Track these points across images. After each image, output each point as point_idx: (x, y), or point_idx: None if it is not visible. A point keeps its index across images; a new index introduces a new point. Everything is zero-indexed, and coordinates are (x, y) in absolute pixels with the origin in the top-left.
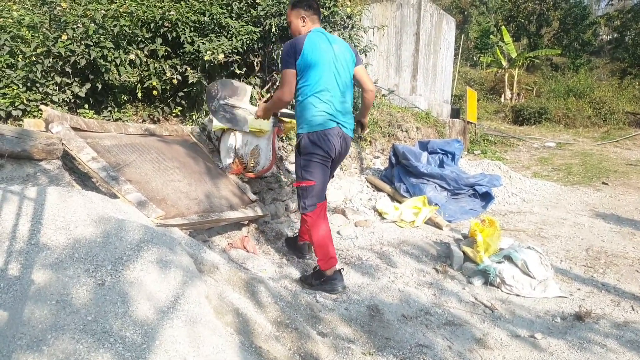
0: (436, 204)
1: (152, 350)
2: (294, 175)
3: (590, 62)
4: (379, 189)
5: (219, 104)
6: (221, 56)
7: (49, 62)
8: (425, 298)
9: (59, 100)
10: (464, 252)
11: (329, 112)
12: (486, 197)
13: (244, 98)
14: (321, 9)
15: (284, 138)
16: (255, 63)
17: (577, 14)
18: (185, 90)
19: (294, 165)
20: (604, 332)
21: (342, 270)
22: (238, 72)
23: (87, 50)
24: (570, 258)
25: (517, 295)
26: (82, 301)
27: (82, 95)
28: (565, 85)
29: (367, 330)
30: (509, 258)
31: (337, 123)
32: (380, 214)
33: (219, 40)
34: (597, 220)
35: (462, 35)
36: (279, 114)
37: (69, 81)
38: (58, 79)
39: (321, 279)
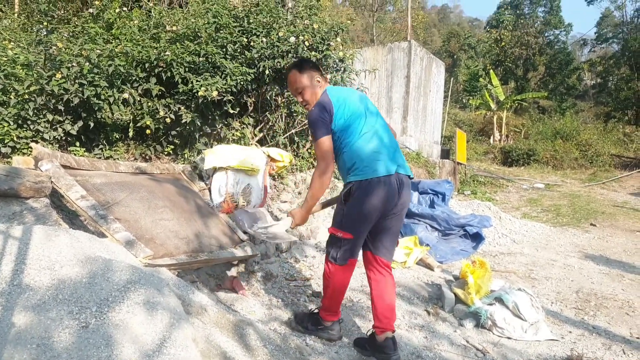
0: (427, 245)
1: None
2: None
3: (575, 105)
4: None
5: (255, 232)
6: (215, 93)
7: (42, 100)
8: (416, 341)
9: (50, 137)
10: (455, 294)
11: (380, 150)
12: (477, 238)
13: (267, 218)
14: (314, 52)
15: (276, 177)
16: (248, 103)
17: (562, 59)
18: (178, 129)
19: (285, 204)
20: None
21: (341, 320)
22: (231, 111)
23: (80, 88)
24: (560, 300)
25: (509, 338)
26: (63, 345)
27: (74, 133)
28: (553, 128)
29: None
30: (500, 300)
31: (391, 163)
32: None
33: (214, 79)
34: (587, 261)
35: (452, 78)
36: (320, 206)
37: (61, 119)
38: (50, 117)
39: (318, 327)
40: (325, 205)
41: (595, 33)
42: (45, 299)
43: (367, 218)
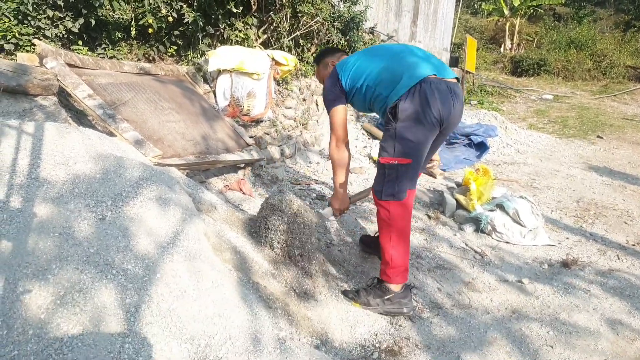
0: None
1: (153, 283)
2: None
3: (594, 13)
4: (374, 137)
5: None
6: None
7: None
8: (417, 242)
9: (51, 35)
10: (456, 200)
11: (416, 59)
12: (481, 147)
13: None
14: None
15: (281, 82)
16: (252, 2)
17: None
18: (180, 29)
19: (290, 110)
20: (588, 278)
21: (413, 286)
22: (235, 10)
23: None
24: (560, 208)
25: (507, 242)
26: (84, 234)
27: (75, 30)
28: (567, 37)
29: (359, 271)
30: (500, 206)
31: (434, 66)
32: (375, 162)
33: None
34: (590, 172)
35: None
36: (351, 198)
37: (61, 15)
38: (50, 13)
39: (385, 297)
40: (356, 197)
41: None
42: (62, 192)
43: (425, 133)
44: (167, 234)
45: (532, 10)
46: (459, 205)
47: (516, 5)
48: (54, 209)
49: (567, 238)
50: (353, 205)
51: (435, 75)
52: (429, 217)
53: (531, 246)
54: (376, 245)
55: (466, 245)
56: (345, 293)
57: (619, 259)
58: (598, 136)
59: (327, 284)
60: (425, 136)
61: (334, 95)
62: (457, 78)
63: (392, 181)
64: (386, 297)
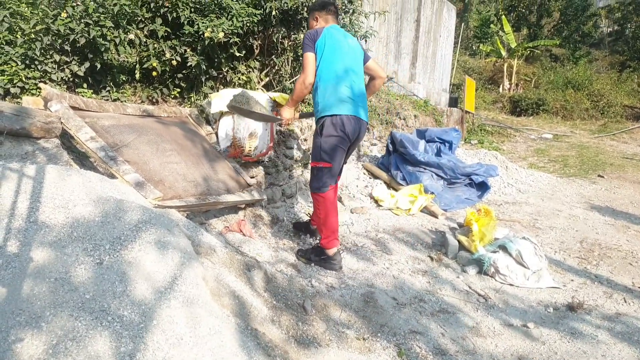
0: (432, 193)
1: (149, 330)
2: (311, 155)
3: (589, 54)
4: (375, 176)
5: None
6: (221, 35)
7: (48, 40)
8: (419, 285)
9: (57, 78)
10: (459, 241)
11: (351, 97)
12: (482, 187)
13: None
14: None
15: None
16: (255, 46)
17: (578, 4)
18: (184, 72)
19: (291, 150)
20: (595, 323)
21: (341, 251)
22: (237, 54)
23: (86, 28)
24: (564, 249)
25: (511, 284)
26: (80, 279)
27: (81, 74)
28: (564, 77)
29: (361, 315)
30: (503, 248)
31: (358, 108)
32: (376, 201)
33: (220, 20)
34: (592, 212)
35: (462, 24)
36: (299, 114)
37: (67, 60)
38: (57, 57)
39: (321, 256)
40: (303, 116)
41: None
42: (60, 236)
43: (339, 147)
44: (165, 279)
45: (529, 52)
46: (462, 247)
47: (513, 46)
48: (51, 254)
49: (572, 280)
50: (297, 121)
51: (355, 115)
52: (432, 258)
53: (535, 288)
54: (306, 228)
55: (469, 287)
56: (298, 252)
57: (625, 302)
58: (599, 175)
59: (328, 330)
60: (341, 148)
61: (310, 45)
62: (367, 122)
63: (318, 178)
64: (322, 257)
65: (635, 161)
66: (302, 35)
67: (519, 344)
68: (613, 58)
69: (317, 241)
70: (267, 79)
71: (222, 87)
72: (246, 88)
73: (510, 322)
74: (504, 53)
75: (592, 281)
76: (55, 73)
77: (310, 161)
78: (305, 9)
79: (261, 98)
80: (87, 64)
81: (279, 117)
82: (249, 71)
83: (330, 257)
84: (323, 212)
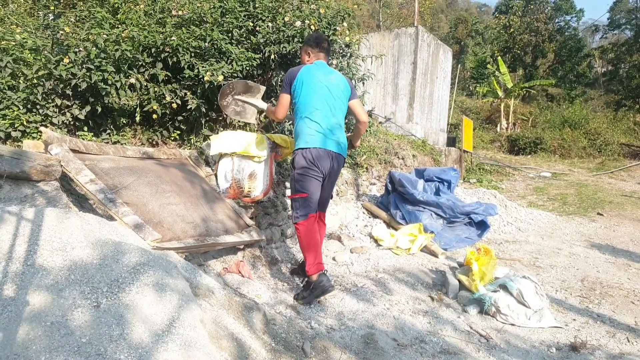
0: (432, 232)
1: None
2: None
3: (585, 93)
4: (375, 216)
5: (232, 99)
6: (220, 78)
7: (50, 85)
8: (420, 326)
9: (58, 122)
10: (459, 281)
11: (320, 130)
12: (482, 226)
13: (256, 95)
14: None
15: (281, 163)
16: None
17: (572, 46)
18: (184, 114)
19: (290, 190)
20: None
21: (325, 271)
22: None
23: (88, 73)
24: (565, 288)
25: (513, 324)
26: (76, 323)
27: (82, 117)
28: (561, 116)
29: (362, 357)
30: (504, 287)
31: (327, 141)
32: (376, 241)
33: (219, 64)
34: (593, 250)
35: (459, 65)
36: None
37: (69, 103)
38: (58, 101)
39: (310, 287)
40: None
41: (607, 19)
42: (58, 279)
43: (313, 177)
44: (163, 321)
45: (525, 92)
46: (462, 286)
47: (509, 87)
48: (47, 297)
49: (574, 319)
50: (277, 147)
51: (328, 149)
52: (432, 298)
53: (537, 328)
54: (302, 270)
55: (471, 328)
56: (294, 297)
57: (629, 341)
58: (598, 213)
59: None
60: (314, 178)
61: (286, 85)
62: (339, 154)
63: (297, 209)
64: (311, 288)
65: (634, 199)
66: None
67: None
68: (608, 97)
69: (304, 279)
70: (267, 120)
71: (221, 129)
72: (245, 130)
73: None
74: (500, 93)
75: (594, 320)
76: (56, 117)
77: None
78: None
79: (262, 140)
80: (88, 108)
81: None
82: None
83: (318, 281)
84: (305, 240)
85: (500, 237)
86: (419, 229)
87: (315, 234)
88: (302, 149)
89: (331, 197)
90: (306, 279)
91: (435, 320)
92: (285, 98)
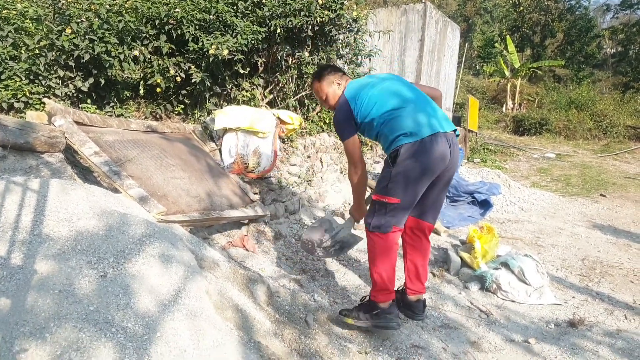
0: None
1: (153, 342)
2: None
3: (593, 74)
4: None
5: (324, 249)
6: (225, 52)
7: (52, 56)
8: None
9: (61, 94)
10: (461, 258)
11: (421, 116)
12: (485, 205)
13: (333, 225)
14: (327, 11)
15: (286, 140)
16: (259, 63)
17: (582, 26)
18: (188, 88)
19: (295, 167)
20: (596, 339)
21: (396, 302)
22: (242, 71)
23: (91, 45)
24: (566, 267)
25: (513, 301)
26: (84, 292)
27: (85, 89)
28: (567, 97)
29: (364, 330)
30: (505, 265)
31: (435, 124)
32: None
33: (224, 38)
34: (594, 231)
35: (466, 44)
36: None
37: (72, 75)
38: (61, 73)
39: (373, 312)
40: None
41: None
42: (64, 249)
43: (416, 180)
44: (169, 292)
45: (532, 72)
46: (464, 263)
47: (517, 67)
48: (54, 266)
49: (574, 297)
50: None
51: (439, 131)
52: (434, 275)
53: (537, 305)
54: (402, 302)
55: (471, 304)
56: (340, 312)
57: (626, 319)
58: (601, 194)
59: (330, 344)
60: (418, 183)
61: (347, 126)
62: (455, 130)
63: (380, 216)
64: (374, 312)
65: (638, 181)
66: (306, 53)
67: (520, 359)
68: (616, 79)
69: (364, 297)
70: (271, 96)
71: (226, 103)
72: (250, 105)
73: (512, 337)
74: (507, 73)
75: (593, 298)
76: (59, 88)
77: (371, 192)
78: (310, 27)
79: (267, 116)
80: (91, 80)
81: (357, 231)
82: (253, 88)
83: (385, 311)
84: (380, 257)
85: (503, 216)
86: None
87: (394, 252)
88: (408, 142)
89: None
90: (368, 299)
91: (437, 296)
92: (353, 142)
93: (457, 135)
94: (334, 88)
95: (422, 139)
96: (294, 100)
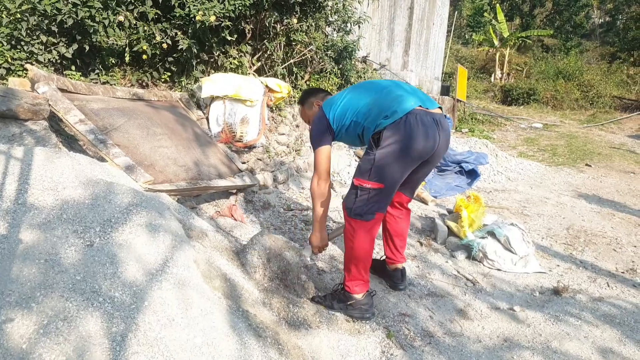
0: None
1: (140, 311)
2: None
3: (580, 44)
4: None
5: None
6: (212, 18)
7: (35, 20)
8: (409, 270)
9: (44, 60)
10: (448, 227)
11: (402, 94)
12: (472, 175)
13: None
14: None
15: (274, 109)
16: (247, 30)
17: None
18: (174, 55)
19: (283, 136)
20: (579, 306)
21: (374, 293)
22: (229, 38)
23: (74, 9)
24: (551, 236)
25: (499, 269)
26: (70, 261)
27: (69, 56)
28: (555, 67)
29: None
30: (492, 234)
31: (419, 100)
32: None
33: (211, 3)
34: (579, 200)
35: (456, 12)
36: (329, 235)
37: (55, 41)
38: (44, 38)
39: (347, 302)
40: (335, 234)
41: None
42: (50, 218)
43: (401, 162)
44: (156, 261)
45: (521, 41)
46: (451, 232)
47: (505, 36)
48: (40, 235)
49: (558, 265)
50: (331, 242)
51: (420, 106)
52: (421, 243)
53: (522, 273)
54: (381, 271)
55: (458, 272)
56: (312, 299)
57: (608, 286)
58: (587, 164)
59: (318, 312)
60: (403, 167)
61: (320, 135)
62: (440, 108)
63: (362, 202)
64: (348, 303)
65: (622, 151)
66: (294, 20)
67: (505, 326)
68: (604, 49)
69: (338, 284)
70: (259, 63)
71: (213, 71)
72: (238, 72)
73: (497, 305)
74: (496, 42)
75: (577, 266)
76: (42, 54)
77: (353, 176)
78: None
79: (255, 84)
80: (75, 46)
81: (311, 253)
82: (241, 55)
83: (360, 302)
84: (358, 243)
85: (490, 185)
86: None
87: (372, 242)
88: (390, 123)
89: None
90: (341, 287)
91: (424, 265)
92: (324, 152)
93: (449, 120)
94: (314, 110)
95: (406, 115)
96: (282, 68)
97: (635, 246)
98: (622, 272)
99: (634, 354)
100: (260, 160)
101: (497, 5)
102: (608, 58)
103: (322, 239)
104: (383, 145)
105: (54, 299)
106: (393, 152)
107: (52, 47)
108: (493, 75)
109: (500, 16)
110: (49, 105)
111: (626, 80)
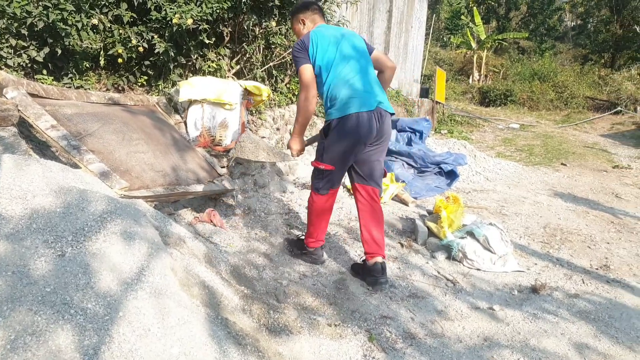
0: (403, 181)
1: (115, 322)
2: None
3: (554, 47)
4: None
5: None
6: (190, 21)
7: (3, 24)
8: (390, 271)
9: (14, 64)
10: (428, 228)
11: (359, 91)
12: (451, 175)
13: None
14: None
15: (254, 111)
16: (225, 33)
17: None
18: (151, 59)
19: (264, 139)
20: (556, 303)
21: (324, 247)
22: (207, 41)
23: (45, 12)
24: (529, 234)
25: (478, 269)
26: (40, 272)
27: (40, 60)
28: (531, 69)
29: (332, 302)
30: (471, 234)
31: (370, 101)
32: (349, 190)
33: (188, 6)
34: (555, 199)
35: (434, 15)
36: (306, 141)
37: (25, 44)
38: (13, 42)
39: (302, 250)
40: (309, 142)
41: None
42: (18, 228)
43: (345, 151)
44: (132, 270)
45: (497, 44)
46: (431, 233)
47: (483, 38)
48: (7, 246)
49: (536, 264)
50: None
51: (369, 109)
52: (402, 245)
53: (501, 272)
54: (363, 270)
55: (438, 273)
56: (286, 239)
57: (584, 283)
58: (562, 163)
59: (299, 317)
60: (347, 153)
61: (302, 56)
62: (391, 113)
63: (318, 179)
64: (303, 251)
65: (595, 150)
66: (273, 23)
67: (485, 325)
68: (576, 51)
69: (302, 235)
70: (238, 66)
71: (191, 74)
72: (216, 76)
73: (477, 305)
74: (473, 45)
75: (554, 264)
76: (11, 58)
77: (314, 159)
78: None
79: (234, 87)
80: (46, 50)
81: (289, 151)
82: (219, 59)
83: (312, 252)
84: (315, 212)
85: (469, 186)
86: (391, 179)
87: (328, 212)
88: (339, 117)
89: (384, 175)
90: (302, 239)
91: (405, 266)
92: (307, 70)
93: (392, 114)
94: (299, 26)
95: (349, 115)
96: (262, 71)
97: (608, 243)
98: (597, 269)
99: (608, 349)
100: (240, 164)
101: (474, 8)
102: (580, 60)
103: (300, 144)
104: (331, 136)
105: (22, 312)
106: (338, 140)
107: (22, 51)
108: (471, 77)
109: (477, 19)
110: (18, 110)
111: (598, 82)
